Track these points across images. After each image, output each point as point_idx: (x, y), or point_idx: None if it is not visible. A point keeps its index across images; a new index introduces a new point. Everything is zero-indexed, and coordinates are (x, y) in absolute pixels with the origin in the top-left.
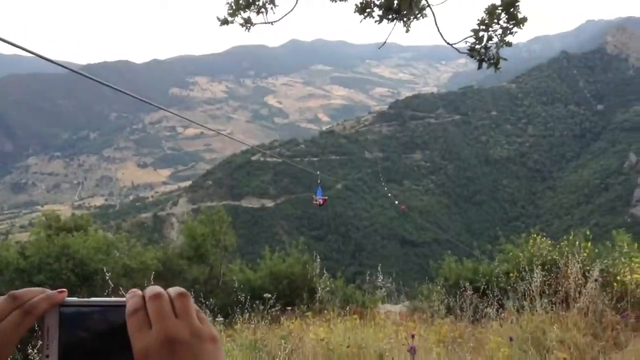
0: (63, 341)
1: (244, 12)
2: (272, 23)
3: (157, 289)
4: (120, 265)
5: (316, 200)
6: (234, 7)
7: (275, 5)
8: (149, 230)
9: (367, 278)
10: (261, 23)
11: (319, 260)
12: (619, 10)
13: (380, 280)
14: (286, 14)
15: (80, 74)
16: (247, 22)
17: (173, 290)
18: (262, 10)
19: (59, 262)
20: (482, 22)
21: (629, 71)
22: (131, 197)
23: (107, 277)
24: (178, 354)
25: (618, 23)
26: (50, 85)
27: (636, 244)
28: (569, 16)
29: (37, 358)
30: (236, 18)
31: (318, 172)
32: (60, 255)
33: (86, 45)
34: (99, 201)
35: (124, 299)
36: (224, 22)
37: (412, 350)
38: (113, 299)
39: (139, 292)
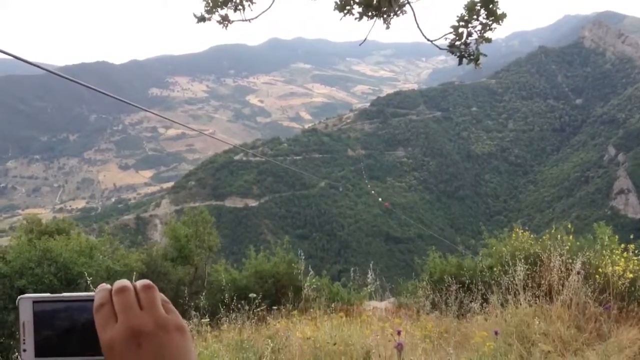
0: (38, 335)
1: (221, 9)
2: (249, 20)
3: (123, 282)
4: (104, 268)
5: (339, 190)
6: (211, 4)
7: (252, 3)
8: (132, 232)
9: (352, 275)
10: (239, 20)
11: (303, 257)
12: (596, 4)
13: (369, 277)
14: (264, 11)
15: (60, 75)
16: (225, 20)
17: (139, 283)
18: (240, 7)
19: (41, 266)
20: (461, 19)
21: (606, 65)
22: (113, 199)
23: (89, 282)
24: (143, 345)
25: (594, 18)
26: (27, 87)
27: (617, 236)
28: (547, 11)
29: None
30: (213, 15)
31: (340, 188)
32: (43, 259)
33: (63, 47)
34: (80, 204)
35: (93, 293)
36: (201, 19)
37: (399, 347)
38: (84, 293)
39: (108, 286)
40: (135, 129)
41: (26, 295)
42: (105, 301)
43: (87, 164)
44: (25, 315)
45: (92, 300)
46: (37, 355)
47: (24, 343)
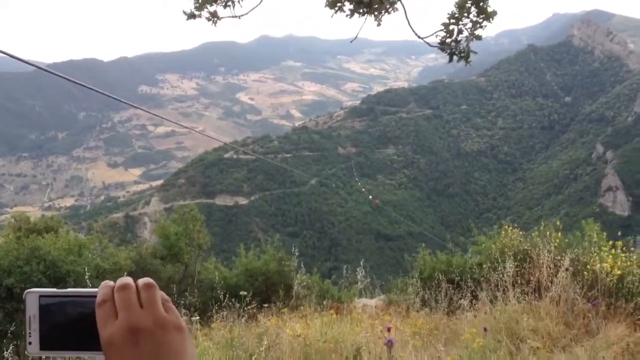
0: (43, 329)
1: (211, 5)
2: (239, 17)
3: (126, 280)
4: (93, 266)
5: (332, 186)
6: (200, 1)
7: None
8: (122, 230)
9: (344, 273)
10: (228, 17)
11: (296, 253)
12: (585, 3)
13: (359, 274)
14: (253, 8)
15: (50, 72)
16: (214, 16)
17: (141, 281)
18: (229, 3)
19: (29, 264)
20: (452, 16)
21: (594, 63)
22: (102, 197)
23: (86, 278)
24: (141, 342)
25: (583, 16)
26: (15, 84)
27: (605, 233)
28: (537, 10)
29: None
30: (202, 12)
31: (333, 184)
32: (31, 257)
33: (51, 44)
34: (69, 202)
35: (97, 289)
36: (191, 15)
37: (389, 344)
38: (88, 289)
39: (111, 283)
40: (125, 126)
41: (33, 289)
42: (107, 298)
43: (75, 161)
44: (32, 309)
45: (96, 297)
46: (41, 348)
47: (30, 336)
